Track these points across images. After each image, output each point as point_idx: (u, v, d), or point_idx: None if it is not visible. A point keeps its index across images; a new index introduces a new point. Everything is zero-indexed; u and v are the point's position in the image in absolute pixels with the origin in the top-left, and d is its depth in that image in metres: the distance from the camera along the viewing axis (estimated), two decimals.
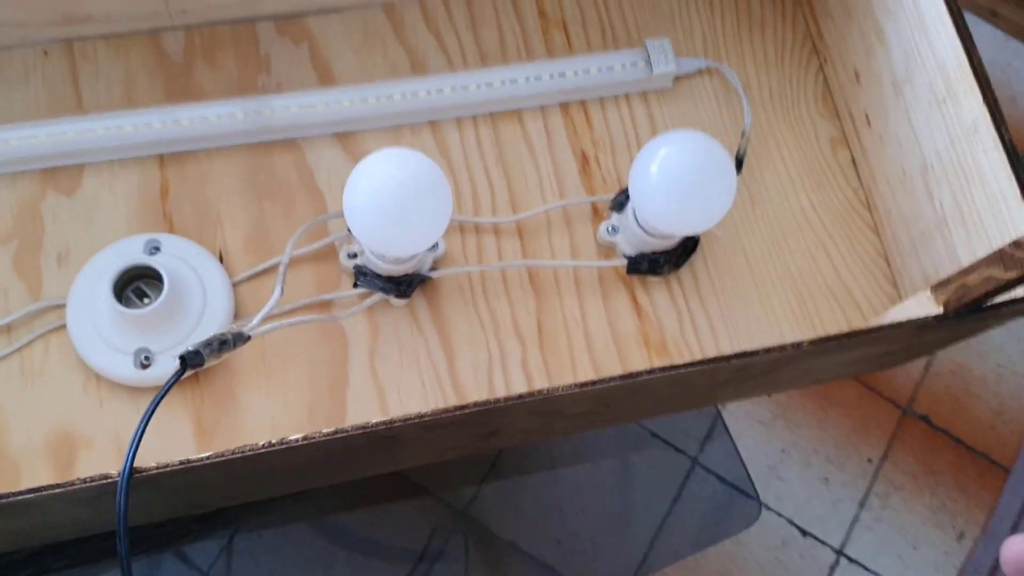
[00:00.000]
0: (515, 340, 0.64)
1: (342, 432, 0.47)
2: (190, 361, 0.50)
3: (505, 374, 0.63)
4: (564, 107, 0.70)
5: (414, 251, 0.59)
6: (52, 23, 0.66)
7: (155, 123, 0.65)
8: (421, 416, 0.48)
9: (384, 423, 0.48)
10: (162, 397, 0.49)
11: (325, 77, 0.69)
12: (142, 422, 0.47)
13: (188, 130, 0.65)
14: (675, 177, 0.58)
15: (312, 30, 0.70)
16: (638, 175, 0.60)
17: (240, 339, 0.54)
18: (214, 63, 0.68)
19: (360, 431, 0.48)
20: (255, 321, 0.55)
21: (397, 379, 0.63)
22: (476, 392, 0.63)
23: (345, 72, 0.69)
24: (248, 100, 0.66)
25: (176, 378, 0.50)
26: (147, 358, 0.60)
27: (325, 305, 0.64)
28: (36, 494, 0.45)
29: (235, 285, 0.64)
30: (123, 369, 0.60)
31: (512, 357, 0.64)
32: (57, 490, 0.45)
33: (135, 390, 0.60)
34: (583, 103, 0.70)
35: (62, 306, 0.61)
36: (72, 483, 0.45)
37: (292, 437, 0.47)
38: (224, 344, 0.52)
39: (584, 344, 0.64)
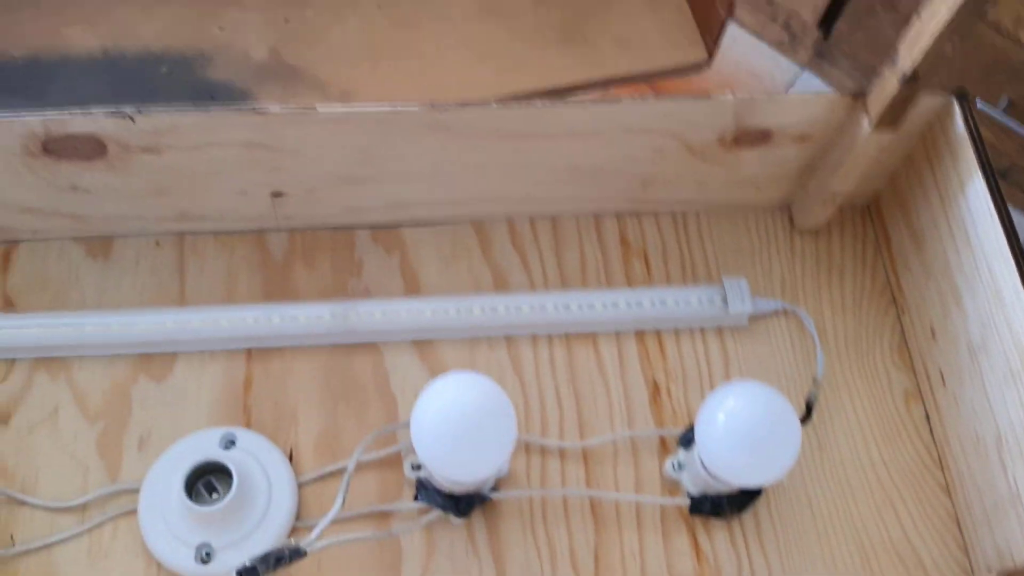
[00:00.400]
0: (571, 572, 0.64)
1: None
2: None
3: None
4: (639, 335, 0.72)
5: (473, 479, 0.60)
6: (169, 218, 0.71)
7: (248, 319, 0.68)
8: None
9: None
10: None
11: (411, 285, 0.72)
12: None
13: (278, 327, 0.68)
14: (741, 432, 0.58)
15: (405, 240, 0.74)
16: (705, 423, 0.60)
17: (297, 555, 0.55)
18: (311, 264, 0.72)
19: None
20: (313, 536, 0.56)
21: None
22: None
23: (431, 282, 0.73)
24: (336, 304, 0.69)
25: None
26: (208, 553, 0.61)
27: (384, 516, 0.65)
28: None
29: (301, 485, 0.65)
30: (184, 562, 0.61)
31: None
32: None
33: None
34: (658, 332, 0.72)
35: (136, 491, 0.64)
36: None
37: None
38: (280, 560, 0.54)
39: None
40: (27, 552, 0.62)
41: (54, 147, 0.62)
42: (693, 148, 0.69)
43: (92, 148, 0.63)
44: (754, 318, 0.72)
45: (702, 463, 0.64)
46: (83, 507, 0.64)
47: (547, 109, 0.64)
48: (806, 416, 0.68)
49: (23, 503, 0.63)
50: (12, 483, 0.64)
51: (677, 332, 0.72)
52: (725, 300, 0.71)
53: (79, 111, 0.59)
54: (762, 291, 0.74)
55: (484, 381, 0.58)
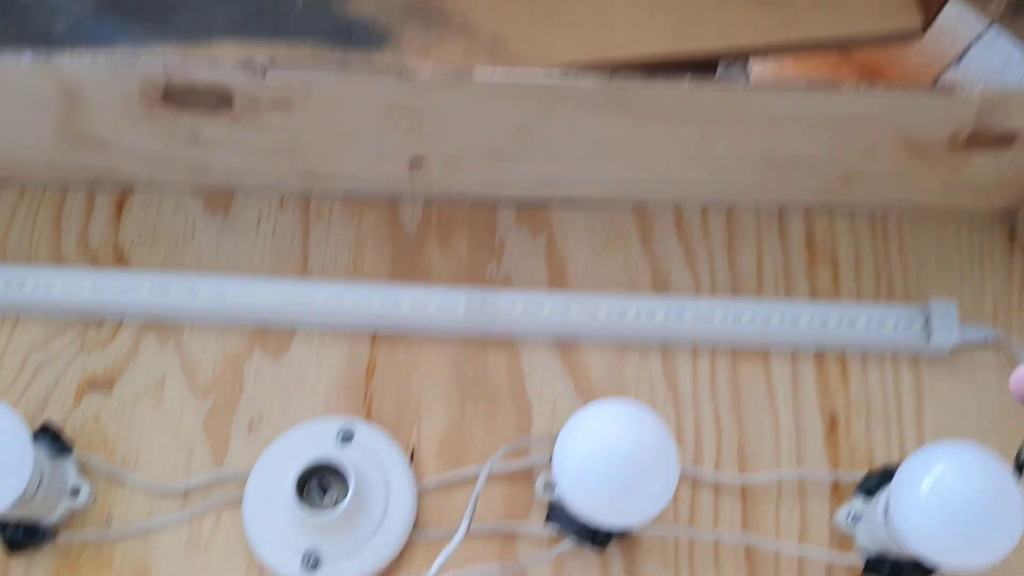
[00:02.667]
0: None
1: None
2: None
3: None
4: (819, 357, 0.61)
5: (624, 525, 0.52)
6: (295, 176, 0.63)
7: (376, 301, 0.61)
8: None
9: None
10: None
11: (557, 276, 0.64)
12: None
13: (407, 312, 0.61)
14: (952, 508, 0.48)
15: (553, 222, 0.65)
16: (905, 490, 0.50)
17: None
18: (447, 243, 0.64)
19: None
20: (432, 571, 0.49)
21: None
22: None
23: (580, 273, 0.64)
24: (472, 291, 0.61)
25: None
26: (316, 561, 0.55)
27: (509, 537, 0.57)
28: None
29: (421, 491, 0.58)
30: (289, 568, 0.55)
31: None
32: None
33: None
34: (842, 356, 0.61)
35: (243, 480, 0.58)
36: None
37: None
38: None
39: None
40: (124, 537, 0.57)
41: (175, 96, 0.55)
42: (914, 146, 0.57)
43: (217, 100, 0.55)
44: (957, 348, 0.61)
45: (885, 520, 0.54)
46: (185, 492, 0.58)
47: (750, 92, 0.53)
48: (1018, 473, 0.57)
49: (123, 481, 0.58)
50: (112, 457, 0.59)
51: (865, 357, 0.61)
52: (927, 325, 0.60)
53: (204, 62, 0.52)
54: (969, 316, 0.62)
55: (648, 418, 0.50)
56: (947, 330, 0.60)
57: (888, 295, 0.63)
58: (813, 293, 0.63)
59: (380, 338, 0.62)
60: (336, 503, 0.55)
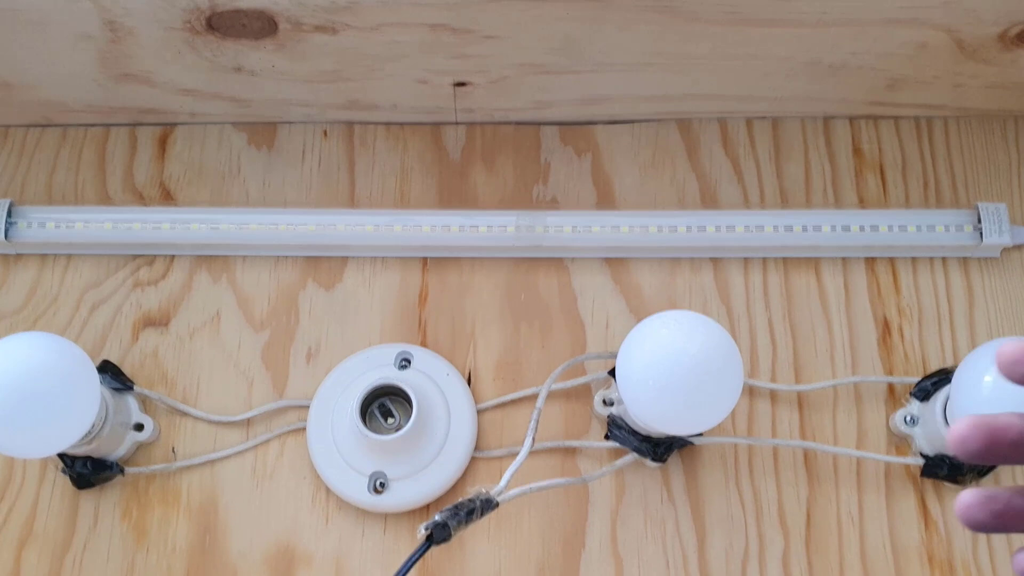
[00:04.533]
0: (778, 530, 0.56)
1: None
2: (437, 536, 0.45)
3: (762, 568, 0.55)
4: (870, 263, 0.61)
5: (691, 432, 0.53)
6: (337, 106, 0.63)
7: (425, 226, 0.61)
8: None
9: None
10: (405, 573, 0.44)
11: (604, 195, 0.63)
12: None
13: (457, 237, 0.61)
14: (1016, 402, 0.48)
15: (598, 140, 0.65)
16: (967, 382, 0.51)
17: (488, 507, 0.48)
18: (492, 166, 0.64)
19: None
20: (503, 484, 0.50)
21: (639, 551, 0.56)
22: None
23: (626, 192, 0.64)
24: (523, 214, 0.61)
25: (420, 554, 0.45)
26: (382, 484, 0.56)
27: (570, 452, 0.58)
28: None
29: (480, 412, 0.59)
30: (356, 491, 0.56)
31: (772, 549, 0.56)
32: None
33: (364, 513, 0.57)
34: (892, 261, 0.61)
35: (304, 408, 0.59)
36: None
37: None
38: (471, 513, 0.47)
39: (858, 549, 0.56)
40: (190, 467, 0.58)
41: (219, 23, 0.55)
42: (964, 44, 0.56)
43: (261, 25, 0.55)
44: (1008, 250, 0.61)
45: (946, 418, 0.54)
46: (248, 422, 0.59)
47: None
48: None
49: (185, 414, 0.59)
50: (173, 391, 0.59)
51: (915, 262, 0.61)
52: (977, 227, 0.60)
53: None
54: (1020, 217, 0.62)
55: (711, 324, 0.50)
56: (998, 231, 0.60)
57: (937, 200, 0.63)
58: (861, 201, 0.63)
59: (431, 264, 0.62)
60: (398, 427, 0.56)
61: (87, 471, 0.56)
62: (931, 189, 0.63)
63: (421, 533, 0.46)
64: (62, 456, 0.56)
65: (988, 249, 0.60)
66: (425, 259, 0.62)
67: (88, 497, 0.57)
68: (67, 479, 0.57)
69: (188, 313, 0.61)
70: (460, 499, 0.48)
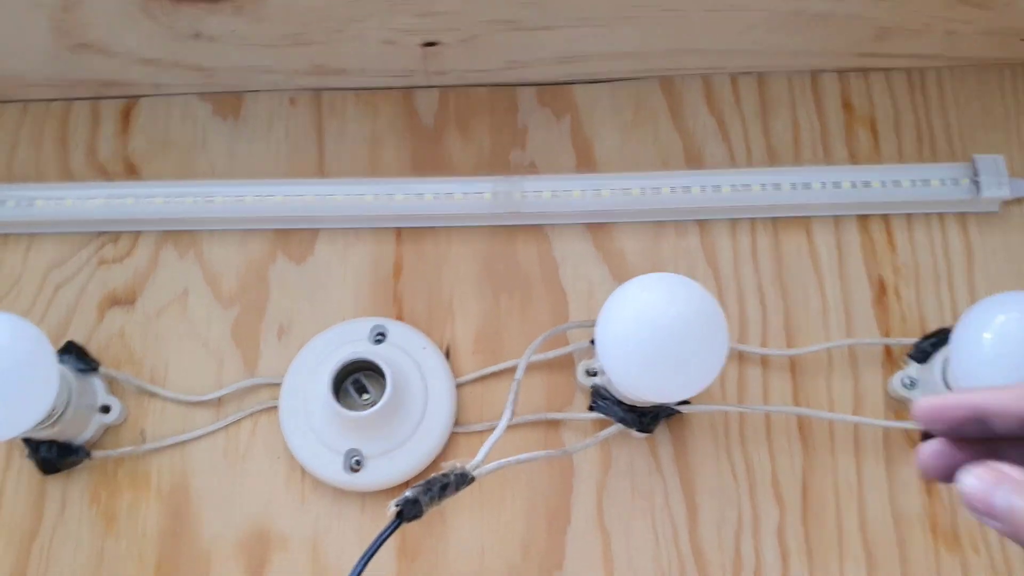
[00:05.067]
0: (773, 501, 0.54)
1: None
2: (407, 513, 0.43)
3: (756, 541, 0.53)
4: (863, 221, 0.59)
5: (674, 400, 0.50)
6: (303, 72, 0.61)
7: (398, 195, 0.59)
8: None
9: None
10: (371, 556, 0.42)
11: (585, 158, 0.61)
12: None
13: (431, 205, 0.59)
14: (1020, 358, 0.46)
15: (577, 101, 0.62)
16: (966, 341, 0.48)
17: (463, 481, 0.46)
18: (466, 131, 0.62)
19: None
20: (479, 457, 0.47)
21: (627, 525, 0.54)
22: (719, 559, 0.53)
23: (608, 154, 0.61)
24: (499, 179, 0.59)
25: (390, 532, 0.43)
26: (358, 462, 0.54)
27: (553, 424, 0.56)
28: None
29: (459, 386, 0.57)
30: (331, 470, 0.54)
31: (767, 521, 0.53)
32: None
33: (341, 492, 0.55)
34: (886, 219, 0.59)
35: (276, 385, 0.57)
36: None
37: None
38: (445, 488, 0.45)
39: (856, 519, 0.53)
40: (159, 449, 0.56)
41: None
42: None
43: None
44: (1007, 204, 0.59)
45: (945, 380, 0.52)
46: (218, 401, 0.57)
47: None
48: None
49: (153, 395, 0.57)
50: (140, 371, 0.57)
51: (910, 219, 0.59)
52: (976, 182, 0.57)
53: None
54: (1019, 170, 0.59)
55: (692, 286, 0.47)
56: (997, 184, 0.57)
57: (932, 154, 0.60)
58: (853, 157, 0.60)
59: (405, 234, 0.60)
60: (373, 403, 0.54)
61: (52, 455, 0.54)
62: (925, 143, 0.60)
63: (391, 510, 0.44)
64: (26, 440, 0.54)
65: (986, 203, 0.58)
66: (399, 229, 0.60)
67: (55, 483, 0.55)
68: (32, 465, 0.55)
69: (155, 291, 0.59)
70: (433, 474, 0.46)
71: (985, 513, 0.31)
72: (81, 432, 0.55)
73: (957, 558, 0.53)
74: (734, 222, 0.59)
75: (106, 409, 0.56)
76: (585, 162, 0.61)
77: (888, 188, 0.58)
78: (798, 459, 0.55)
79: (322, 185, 0.59)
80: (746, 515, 0.54)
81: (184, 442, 0.56)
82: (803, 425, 0.55)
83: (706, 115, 0.61)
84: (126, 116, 0.63)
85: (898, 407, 0.55)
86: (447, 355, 0.57)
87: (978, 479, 0.31)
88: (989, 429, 0.33)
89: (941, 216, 0.59)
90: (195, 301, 0.59)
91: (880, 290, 0.58)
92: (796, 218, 0.59)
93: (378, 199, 0.59)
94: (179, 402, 0.57)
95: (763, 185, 0.58)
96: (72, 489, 0.55)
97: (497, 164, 0.61)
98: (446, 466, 0.46)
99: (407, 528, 0.53)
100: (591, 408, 0.55)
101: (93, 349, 0.57)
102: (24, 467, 0.55)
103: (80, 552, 0.54)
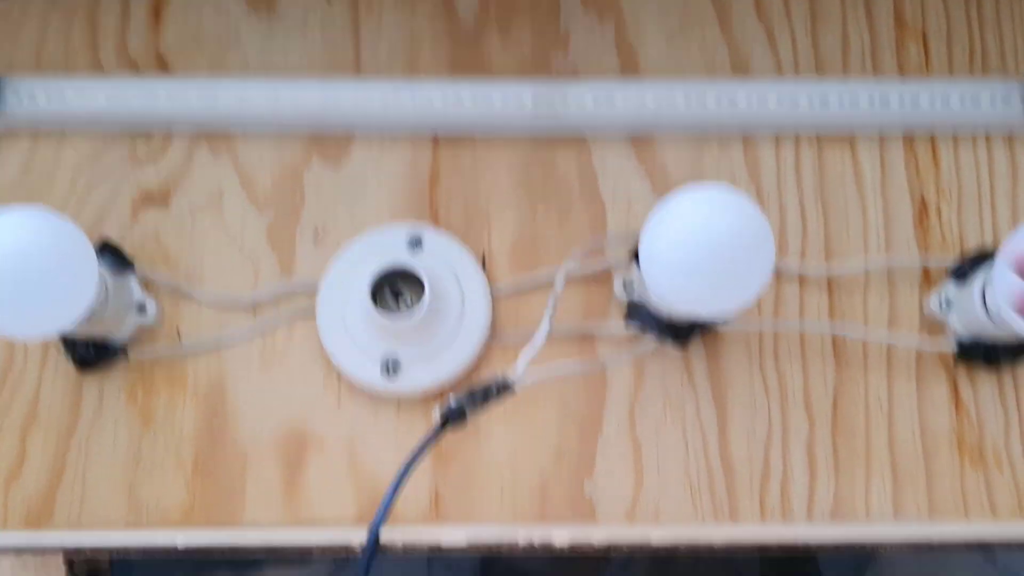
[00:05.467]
0: (803, 414, 0.55)
1: (615, 548, 0.40)
2: (452, 420, 0.44)
3: (785, 453, 0.54)
4: (908, 139, 0.58)
5: (717, 315, 0.50)
6: None
7: (436, 99, 0.57)
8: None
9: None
10: (419, 456, 0.43)
11: (628, 64, 0.59)
12: (391, 489, 0.41)
13: (470, 111, 0.57)
14: None
15: (622, 5, 0.60)
16: (1007, 266, 0.48)
17: (504, 390, 0.47)
18: (508, 33, 0.60)
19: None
20: (520, 368, 0.48)
21: (657, 435, 0.55)
22: (747, 469, 0.54)
23: (652, 61, 0.59)
24: (540, 84, 0.57)
25: (434, 438, 0.44)
26: (394, 367, 0.54)
27: (588, 338, 0.56)
28: (267, 553, 0.41)
29: (495, 297, 0.57)
30: (368, 374, 0.54)
31: (796, 434, 0.54)
32: (293, 553, 0.40)
33: (376, 397, 0.55)
34: (932, 138, 0.58)
35: (313, 291, 0.56)
36: (309, 550, 0.40)
37: (558, 542, 0.40)
38: (487, 396, 0.46)
39: (885, 434, 0.54)
40: (195, 351, 0.56)
41: None
42: None
43: None
44: None
45: (984, 301, 0.52)
46: (255, 305, 0.57)
47: None
48: None
49: (189, 296, 0.57)
50: (176, 273, 0.57)
51: (957, 138, 0.58)
52: None
53: None
54: None
55: (742, 199, 0.47)
56: None
57: (983, 70, 0.59)
58: (902, 71, 0.59)
59: (442, 140, 0.59)
60: (410, 310, 0.54)
61: (89, 354, 0.54)
62: (977, 58, 0.59)
63: (436, 417, 0.44)
64: (63, 339, 0.55)
65: None
66: (436, 136, 0.59)
67: (92, 381, 0.56)
68: (69, 363, 0.55)
69: (189, 192, 0.58)
70: (475, 383, 0.46)
71: None
72: (117, 331, 0.55)
73: (981, 475, 0.54)
74: (778, 138, 0.58)
75: (142, 309, 0.56)
76: (629, 68, 0.59)
77: (936, 107, 0.56)
78: (831, 376, 0.55)
79: (358, 86, 0.58)
80: (776, 428, 0.54)
81: (220, 344, 0.56)
82: (837, 343, 0.55)
83: (755, 22, 0.60)
84: (157, 9, 0.61)
85: (932, 327, 0.55)
86: (483, 265, 0.57)
87: None
88: None
89: (988, 137, 0.58)
90: (230, 203, 0.58)
91: (922, 210, 0.57)
92: (841, 136, 0.58)
93: (416, 102, 0.57)
94: (215, 305, 0.57)
95: (810, 100, 0.57)
96: (109, 387, 0.56)
97: (538, 67, 0.60)
98: (487, 376, 0.47)
99: (443, 435, 0.55)
100: (627, 322, 0.55)
101: (128, 249, 0.57)
102: (61, 365, 0.56)
103: (118, 449, 0.55)
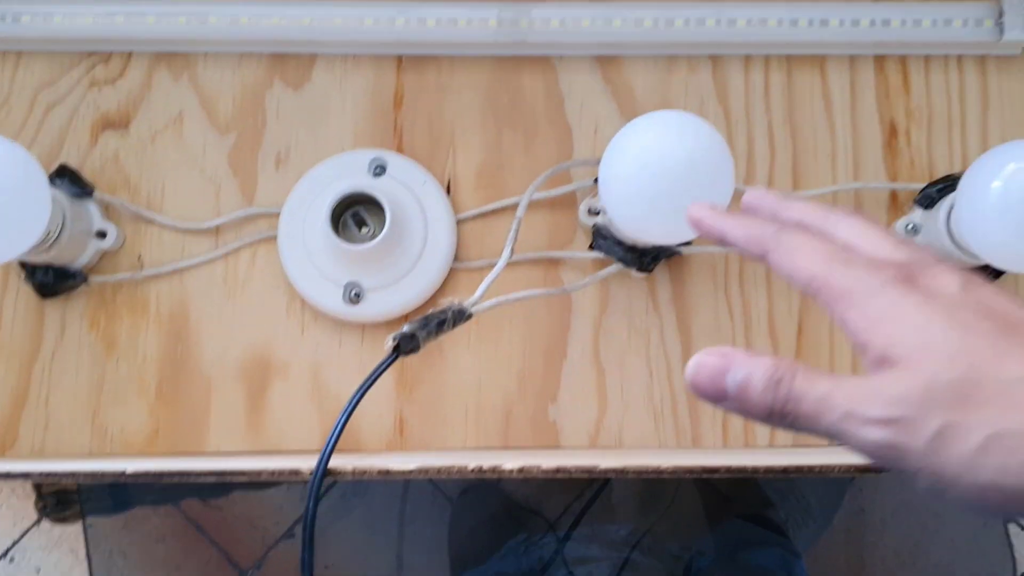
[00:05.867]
0: (767, 340, 0.55)
1: (564, 472, 0.40)
2: (404, 347, 0.44)
3: None
4: (879, 61, 0.57)
5: (677, 241, 0.50)
6: None
7: (399, 19, 0.56)
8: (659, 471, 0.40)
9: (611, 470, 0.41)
10: (368, 387, 0.43)
11: None
12: (342, 416, 0.41)
13: (434, 32, 0.56)
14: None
15: None
16: (973, 188, 0.47)
17: (461, 317, 0.46)
18: None
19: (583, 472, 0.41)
20: (477, 294, 0.48)
21: (621, 361, 0.55)
22: None
23: None
24: (505, 5, 0.56)
25: (386, 365, 0.43)
26: (357, 294, 0.54)
27: (553, 263, 0.56)
28: (220, 476, 0.41)
29: (460, 222, 0.56)
30: (331, 301, 0.54)
31: None
32: (243, 477, 0.40)
33: (341, 323, 0.55)
34: (903, 59, 0.57)
35: (275, 215, 0.56)
36: (259, 473, 0.40)
37: (507, 466, 0.40)
38: (442, 324, 0.45)
39: (849, 359, 0.54)
40: (157, 276, 0.55)
41: None
42: None
43: None
44: None
45: (948, 228, 0.52)
46: (216, 229, 0.56)
47: None
48: None
49: (150, 221, 0.56)
50: (136, 197, 0.56)
51: (928, 60, 0.57)
52: (1000, 24, 0.55)
53: None
54: None
55: (700, 125, 0.46)
56: (1021, 26, 0.55)
57: None
58: None
59: (406, 62, 0.58)
60: (372, 236, 0.53)
61: (49, 280, 0.54)
62: None
63: (388, 344, 0.44)
64: (23, 264, 0.54)
65: (1008, 47, 0.56)
66: (400, 57, 0.58)
67: (53, 307, 0.55)
68: (30, 289, 0.55)
69: (149, 114, 0.57)
70: (431, 310, 0.46)
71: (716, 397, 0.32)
72: (78, 257, 0.55)
73: None
74: (747, 59, 0.57)
75: (102, 234, 0.55)
76: None
77: (907, 28, 0.55)
78: (795, 301, 0.55)
79: (320, 7, 0.56)
80: None
81: (182, 269, 0.56)
82: None
83: None
84: None
85: None
86: (448, 190, 0.56)
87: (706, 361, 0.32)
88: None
89: (960, 59, 0.57)
90: (190, 126, 0.57)
91: (891, 133, 0.56)
92: (811, 56, 0.57)
93: (378, 23, 0.56)
94: (177, 229, 0.56)
95: (779, 20, 0.56)
96: (71, 313, 0.55)
97: None
98: (444, 302, 0.46)
99: (406, 360, 0.54)
100: (591, 247, 0.55)
101: (87, 173, 0.56)
102: (22, 290, 0.55)
103: (81, 375, 0.55)
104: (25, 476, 0.42)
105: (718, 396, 0.31)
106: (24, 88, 0.58)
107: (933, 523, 1.10)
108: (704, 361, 0.32)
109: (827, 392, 0.30)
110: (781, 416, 0.31)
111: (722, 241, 0.36)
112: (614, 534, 0.76)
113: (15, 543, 1.10)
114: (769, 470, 0.43)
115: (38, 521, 1.09)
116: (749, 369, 0.31)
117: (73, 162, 0.56)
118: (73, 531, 1.08)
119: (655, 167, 0.46)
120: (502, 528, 0.78)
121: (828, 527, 0.97)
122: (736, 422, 0.54)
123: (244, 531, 1.04)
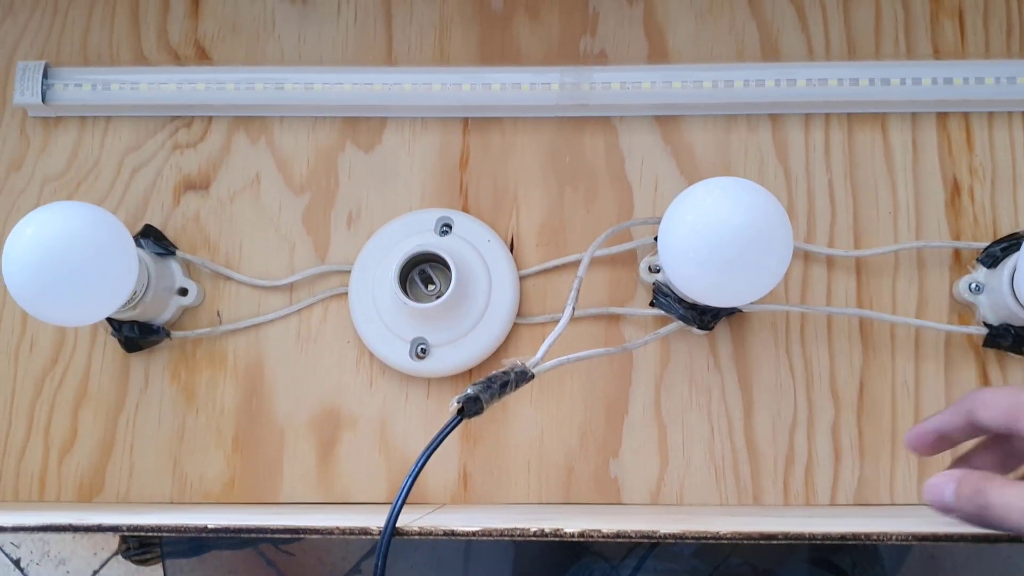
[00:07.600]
0: (829, 399, 0.55)
1: (624, 536, 0.41)
2: (468, 410, 0.45)
3: (810, 436, 0.54)
4: (942, 119, 0.57)
5: (735, 304, 0.51)
6: None
7: (465, 84, 0.58)
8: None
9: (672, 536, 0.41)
10: (433, 450, 0.44)
11: (657, 47, 0.59)
12: (408, 479, 0.43)
13: (498, 96, 0.58)
14: None
15: None
16: None
17: (523, 379, 0.47)
18: (536, 17, 0.60)
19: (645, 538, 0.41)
20: (538, 356, 0.49)
21: (683, 418, 0.55)
22: (772, 452, 0.54)
23: (681, 43, 0.59)
24: (568, 70, 0.58)
25: (451, 427, 0.45)
26: (423, 350, 0.56)
27: (614, 319, 0.57)
28: (294, 533, 0.43)
29: (522, 278, 0.58)
30: (398, 356, 0.56)
31: (822, 418, 0.55)
32: (316, 535, 0.42)
33: (408, 377, 0.57)
34: (966, 117, 0.57)
35: (346, 272, 0.58)
36: (331, 531, 0.42)
37: (568, 530, 0.41)
38: (505, 386, 0.47)
39: (912, 419, 0.54)
40: (235, 331, 0.58)
41: None
42: None
43: None
44: None
45: (1012, 287, 0.51)
46: (291, 286, 0.59)
47: None
48: None
49: (228, 279, 0.59)
50: (216, 255, 0.59)
51: (991, 117, 0.57)
52: None
53: None
54: None
55: (759, 192, 0.47)
56: None
57: (1019, 49, 0.57)
58: (936, 52, 0.58)
59: (472, 124, 0.60)
60: (439, 294, 0.55)
61: (134, 335, 0.57)
62: (1015, 37, 0.57)
63: (453, 406, 0.45)
64: (110, 320, 0.57)
65: None
66: (466, 120, 0.60)
67: (138, 360, 0.58)
68: (117, 343, 0.58)
69: (228, 176, 0.60)
70: (494, 371, 0.47)
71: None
72: (161, 313, 0.58)
73: None
74: (808, 117, 0.58)
75: (184, 292, 0.58)
76: (657, 51, 0.59)
77: (971, 85, 0.55)
78: (857, 359, 0.55)
79: (390, 73, 0.59)
80: (801, 411, 0.55)
81: (259, 324, 0.58)
82: (864, 327, 0.55)
83: (785, 5, 0.59)
84: (195, 1, 0.63)
85: (962, 311, 0.55)
86: (511, 247, 0.58)
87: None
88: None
89: None
90: (267, 187, 0.60)
91: (954, 191, 0.56)
92: (872, 114, 0.57)
93: (446, 88, 0.58)
94: (254, 286, 0.59)
95: (840, 80, 0.56)
96: (154, 367, 0.58)
97: (566, 52, 0.60)
98: (507, 363, 0.47)
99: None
100: (652, 304, 0.56)
101: (169, 233, 0.59)
102: (109, 345, 0.58)
103: (164, 425, 0.57)
104: (115, 529, 0.44)
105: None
106: (112, 152, 0.61)
107: (1007, 571, 1.08)
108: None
109: None
110: None
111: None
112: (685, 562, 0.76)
113: (95, 573, 1.14)
114: (827, 537, 0.43)
115: (117, 552, 1.13)
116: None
117: (157, 222, 0.59)
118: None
119: (712, 236, 0.46)
120: (567, 553, 0.79)
121: (897, 575, 0.95)
122: (797, 480, 0.54)
123: (313, 567, 1.06)
